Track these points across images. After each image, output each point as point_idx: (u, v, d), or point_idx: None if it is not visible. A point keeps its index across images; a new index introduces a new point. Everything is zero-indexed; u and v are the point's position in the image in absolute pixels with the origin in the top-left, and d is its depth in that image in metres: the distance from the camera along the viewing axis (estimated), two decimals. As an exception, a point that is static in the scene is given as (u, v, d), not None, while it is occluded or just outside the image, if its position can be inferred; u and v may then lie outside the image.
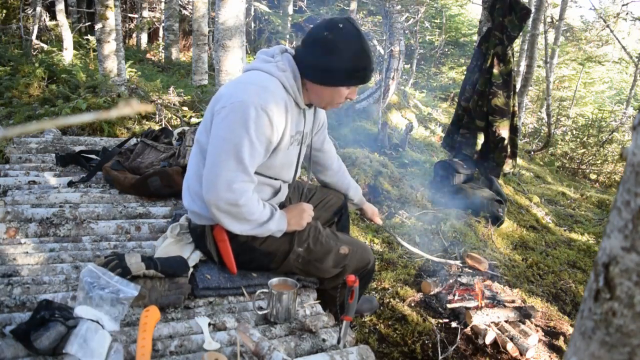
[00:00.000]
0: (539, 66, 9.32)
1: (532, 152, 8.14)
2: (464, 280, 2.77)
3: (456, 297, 2.65)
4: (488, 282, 2.85)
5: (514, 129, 4.64)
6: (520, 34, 5.05)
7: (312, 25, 1.64)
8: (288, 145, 1.63)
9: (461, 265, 2.25)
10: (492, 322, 2.47)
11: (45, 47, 7.67)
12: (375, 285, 2.80)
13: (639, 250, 0.45)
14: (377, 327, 2.43)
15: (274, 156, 1.59)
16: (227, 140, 1.46)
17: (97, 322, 1.28)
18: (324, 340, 1.46)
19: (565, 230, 4.41)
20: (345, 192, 2.13)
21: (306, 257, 1.67)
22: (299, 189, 2.04)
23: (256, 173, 1.58)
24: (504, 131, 4.49)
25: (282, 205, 1.80)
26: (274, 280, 1.58)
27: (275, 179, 1.70)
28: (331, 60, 1.51)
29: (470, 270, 3.02)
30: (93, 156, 2.72)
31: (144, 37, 11.87)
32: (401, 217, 3.82)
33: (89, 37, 8.18)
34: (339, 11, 12.17)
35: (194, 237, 1.72)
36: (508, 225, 4.07)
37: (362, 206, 2.21)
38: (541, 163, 7.77)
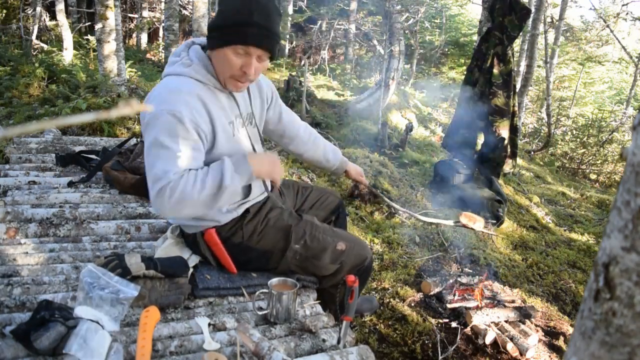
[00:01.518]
0: (539, 66, 9.32)
1: (532, 152, 8.14)
2: (464, 280, 2.77)
3: (456, 297, 2.65)
4: (488, 282, 2.85)
5: (514, 129, 4.64)
6: (520, 34, 5.05)
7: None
8: (232, 132, 1.57)
9: (454, 224, 2.21)
10: (492, 322, 2.47)
11: (45, 47, 7.67)
12: (375, 285, 2.80)
13: (639, 250, 0.45)
14: (377, 327, 2.43)
15: (217, 149, 1.53)
16: (146, 151, 1.45)
17: (97, 323, 1.28)
18: (324, 340, 1.46)
19: (565, 230, 4.41)
20: (324, 157, 2.03)
21: (303, 254, 1.67)
22: (294, 188, 2.03)
23: None
24: (504, 131, 4.50)
25: (271, 200, 1.78)
26: (274, 281, 1.58)
27: None
28: (215, 20, 1.47)
29: (470, 271, 3.02)
30: (93, 156, 2.72)
31: (144, 37, 11.88)
32: (401, 217, 3.82)
33: (89, 37, 8.18)
34: (338, 11, 12.16)
35: (188, 244, 1.72)
36: (508, 225, 4.07)
37: (345, 168, 2.12)
38: (541, 163, 7.77)
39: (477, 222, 2.43)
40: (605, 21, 10.10)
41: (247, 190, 1.67)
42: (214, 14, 9.05)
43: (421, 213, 3.92)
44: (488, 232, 2.95)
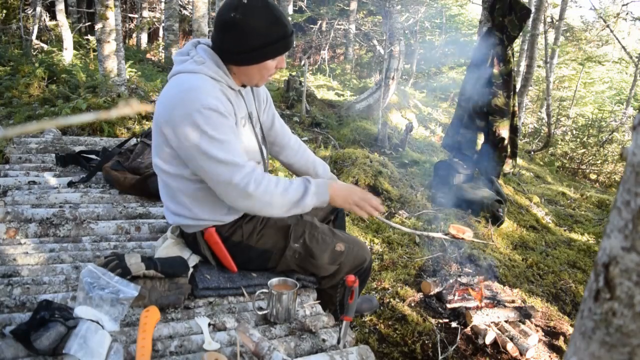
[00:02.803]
0: (539, 66, 9.32)
1: (532, 152, 8.14)
2: (464, 280, 2.77)
3: (456, 297, 2.65)
4: (488, 282, 2.85)
5: (514, 129, 4.64)
6: (520, 34, 5.05)
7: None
8: (240, 128, 1.60)
9: (444, 236, 2.21)
10: (492, 322, 2.47)
11: (45, 47, 7.68)
12: (375, 285, 2.80)
13: (639, 250, 0.45)
14: (377, 327, 2.43)
15: None
16: (197, 154, 1.44)
17: (97, 323, 1.28)
18: (324, 340, 1.46)
19: (565, 230, 4.41)
20: (313, 170, 2.03)
21: (302, 253, 1.67)
22: None
23: None
24: (504, 131, 4.49)
25: None
26: (274, 281, 1.58)
27: None
28: (248, 41, 1.48)
29: (470, 271, 3.02)
30: (93, 156, 2.72)
31: (144, 37, 11.89)
32: (401, 217, 3.82)
33: (89, 37, 8.19)
34: (338, 11, 12.17)
35: (188, 244, 1.72)
36: (508, 225, 4.07)
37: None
38: (541, 163, 7.77)
39: (466, 233, 2.45)
40: (605, 21, 10.10)
41: None
42: (213, 14, 9.05)
43: (420, 214, 3.91)
44: (478, 241, 2.95)
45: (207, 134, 1.42)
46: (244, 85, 1.66)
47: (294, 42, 1.59)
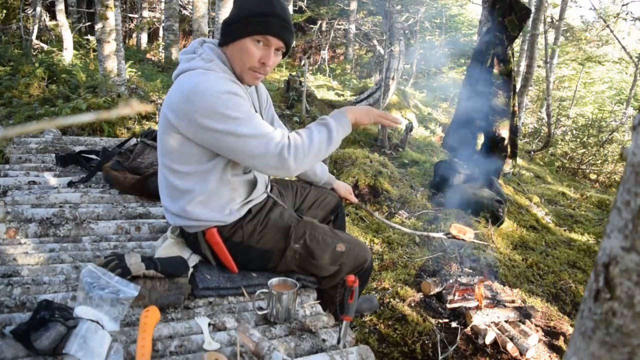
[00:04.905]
0: (539, 66, 9.32)
1: (532, 152, 8.14)
2: (464, 280, 2.77)
3: (456, 297, 2.65)
4: (488, 282, 2.85)
5: (514, 129, 4.64)
6: (520, 34, 5.05)
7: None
8: None
9: (445, 236, 2.21)
10: (492, 322, 2.47)
11: (45, 47, 7.68)
12: (375, 285, 2.80)
13: (639, 250, 0.45)
14: (377, 327, 2.43)
15: None
16: (226, 138, 1.43)
17: (97, 323, 1.28)
18: (324, 340, 1.46)
19: (565, 230, 4.41)
20: (311, 170, 2.04)
21: (303, 254, 1.67)
22: (293, 188, 2.03)
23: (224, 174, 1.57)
24: (504, 131, 4.50)
25: (271, 200, 1.79)
26: (274, 280, 1.58)
27: (244, 172, 1.66)
28: (234, 13, 1.49)
29: (471, 271, 3.02)
30: (93, 156, 2.72)
31: (144, 37, 11.89)
32: (401, 217, 3.82)
33: (89, 37, 8.19)
34: (338, 11, 12.17)
35: (189, 244, 1.72)
36: (508, 225, 4.07)
37: (333, 185, 2.13)
38: (541, 163, 7.77)
39: (467, 233, 2.45)
40: (605, 21, 10.10)
41: (252, 188, 1.68)
42: (213, 14, 9.05)
43: (420, 214, 3.91)
44: (479, 242, 2.95)
45: (231, 117, 1.41)
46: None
47: (280, 31, 1.49)
